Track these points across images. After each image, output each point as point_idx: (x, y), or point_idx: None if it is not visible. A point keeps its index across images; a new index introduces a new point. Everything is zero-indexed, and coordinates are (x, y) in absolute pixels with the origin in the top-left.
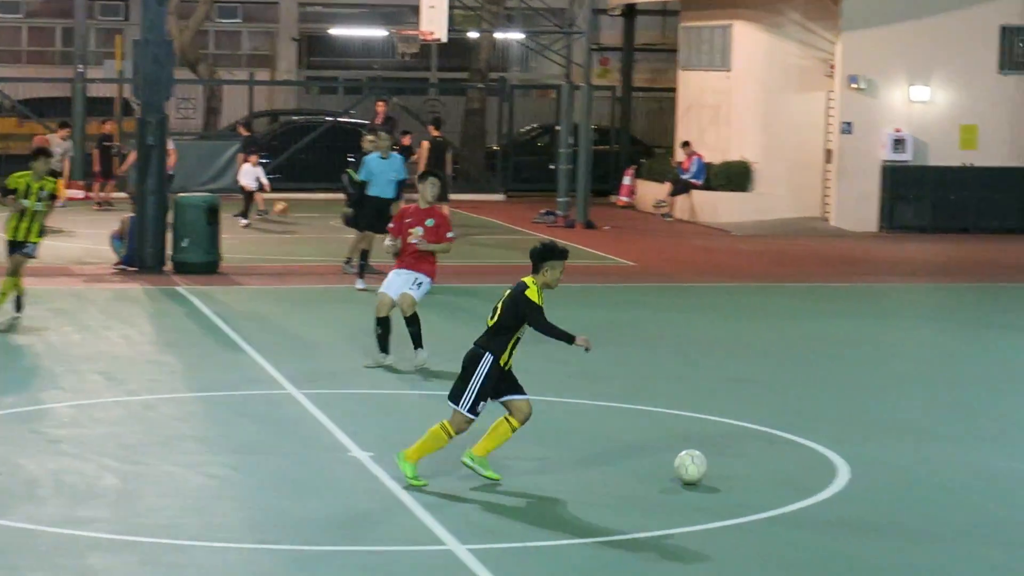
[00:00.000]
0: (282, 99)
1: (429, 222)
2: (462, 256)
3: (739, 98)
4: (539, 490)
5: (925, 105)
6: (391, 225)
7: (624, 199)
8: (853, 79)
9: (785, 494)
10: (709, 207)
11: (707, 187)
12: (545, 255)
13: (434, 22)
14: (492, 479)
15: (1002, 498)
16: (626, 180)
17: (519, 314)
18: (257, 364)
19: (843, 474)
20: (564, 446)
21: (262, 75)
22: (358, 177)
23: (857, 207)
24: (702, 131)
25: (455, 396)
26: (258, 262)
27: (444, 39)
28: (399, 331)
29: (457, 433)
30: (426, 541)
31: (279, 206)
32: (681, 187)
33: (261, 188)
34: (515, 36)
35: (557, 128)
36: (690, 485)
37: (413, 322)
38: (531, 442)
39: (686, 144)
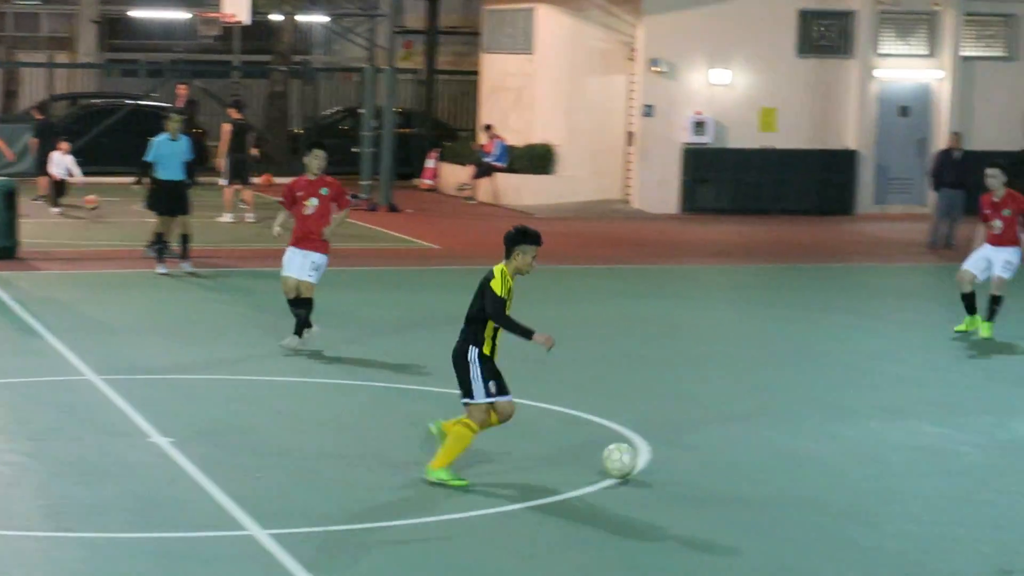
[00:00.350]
0: (83, 82)
1: (323, 191)
2: (264, 240)
3: (541, 81)
4: (341, 476)
5: (725, 88)
6: (281, 199)
7: (427, 182)
8: (654, 62)
9: (586, 475)
10: (512, 190)
11: (510, 170)
12: (517, 239)
13: (236, 4)
14: (461, 485)
15: (791, 474)
16: (429, 163)
17: (483, 303)
18: (55, 350)
19: (643, 453)
20: (360, 432)
21: (62, 58)
22: (145, 158)
23: (658, 189)
24: (505, 114)
25: (465, 393)
26: (58, 247)
27: (246, 21)
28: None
29: (480, 426)
30: (227, 527)
31: (89, 199)
32: (484, 170)
33: (70, 176)
34: (318, 19)
35: (360, 111)
36: (623, 477)
37: (304, 305)
38: (332, 430)
39: (489, 127)
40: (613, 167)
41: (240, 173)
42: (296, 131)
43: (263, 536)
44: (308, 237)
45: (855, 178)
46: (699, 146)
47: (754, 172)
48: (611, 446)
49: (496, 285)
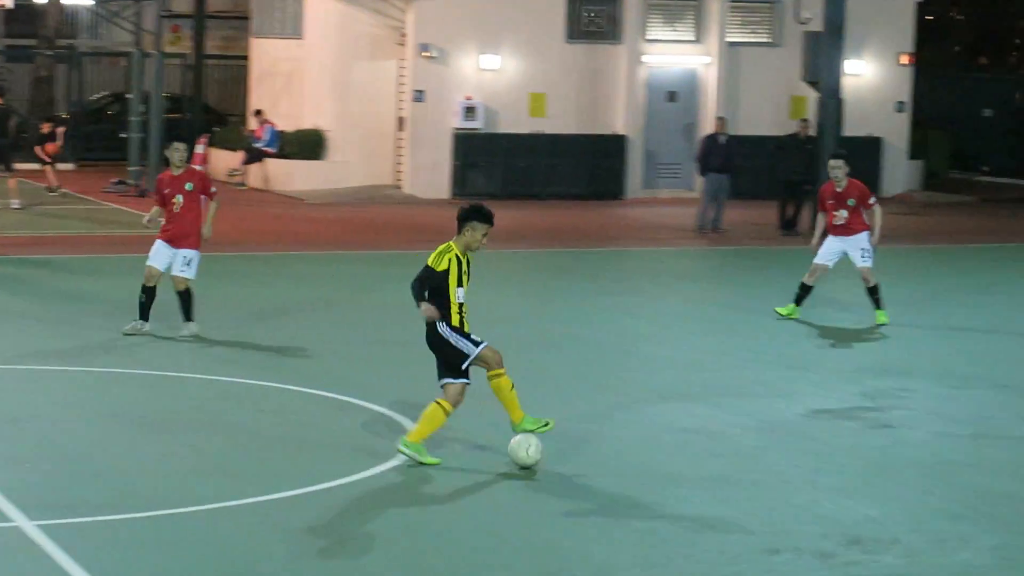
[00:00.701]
0: None
1: (188, 186)
2: (30, 227)
3: (312, 66)
4: (110, 464)
5: (495, 73)
6: (154, 196)
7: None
8: (424, 48)
9: (360, 460)
10: (283, 175)
11: (281, 155)
12: (468, 216)
13: None
14: (431, 464)
15: (563, 456)
16: (199, 149)
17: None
18: None
19: None
20: (131, 417)
21: None
22: None
23: (429, 175)
24: (275, 99)
25: (449, 371)
26: None
27: (10, 5)
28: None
29: (454, 406)
30: None
31: None
32: (254, 156)
33: None
34: (84, 2)
35: (128, 96)
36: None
37: (186, 296)
38: (106, 420)
39: (259, 112)
40: (384, 152)
41: (3, 159)
42: (62, 116)
43: (29, 527)
44: (178, 234)
45: (624, 163)
46: (470, 131)
47: (525, 157)
48: (518, 439)
49: (432, 257)
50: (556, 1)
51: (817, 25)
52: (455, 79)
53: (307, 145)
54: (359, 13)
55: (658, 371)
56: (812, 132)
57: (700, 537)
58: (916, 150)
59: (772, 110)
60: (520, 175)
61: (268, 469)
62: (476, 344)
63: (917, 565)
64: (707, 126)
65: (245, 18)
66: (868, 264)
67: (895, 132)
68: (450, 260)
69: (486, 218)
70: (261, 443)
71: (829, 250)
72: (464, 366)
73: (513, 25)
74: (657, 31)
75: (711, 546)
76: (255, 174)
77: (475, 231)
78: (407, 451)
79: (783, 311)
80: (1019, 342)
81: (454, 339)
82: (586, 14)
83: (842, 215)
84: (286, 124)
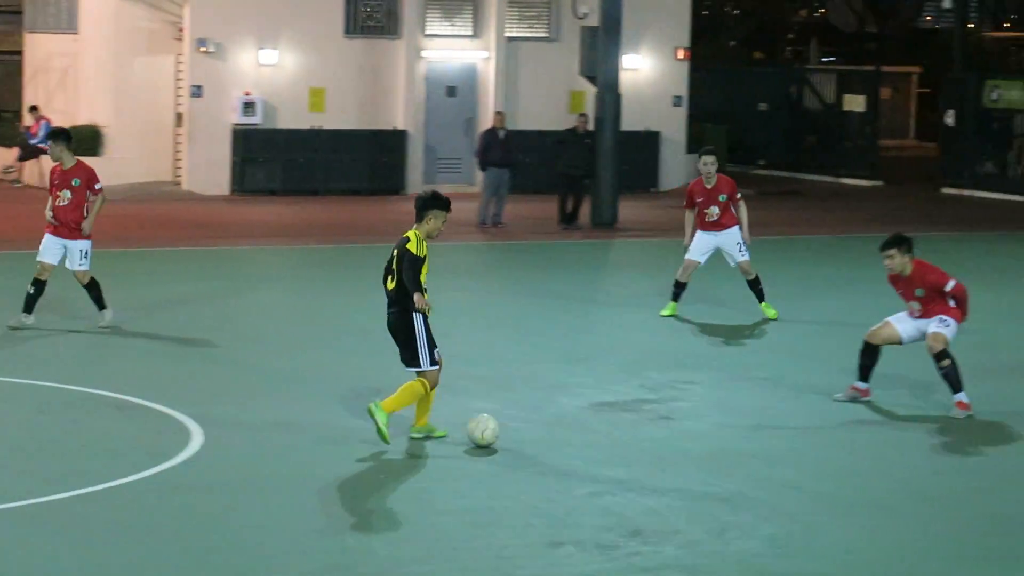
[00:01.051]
0: None
1: (75, 182)
2: None
3: (87, 61)
4: None
5: (274, 68)
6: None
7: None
8: (202, 43)
9: (140, 459)
10: None
11: None
12: (429, 204)
13: None
14: (384, 437)
15: (336, 454)
16: None
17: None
18: None
19: (197, 437)
20: None
21: None
22: None
23: (209, 171)
24: (50, 95)
25: (410, 361)
26: None
27: None
28: None
29: (434, 385)
30: None
31: None
32: (30, 152)
33: None
34: None
35: None
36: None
37: (92, 288)
38: None
39: (34, 108)
40: (163, 148)
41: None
42: None
43: None
44: (66, 227)
45: (405, 158)
46: (249, 127)
47: (305, 152)
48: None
49: (413, 247)
50: None
51: (595, 20)
52: (233, 74)
53: (83, 141)
54: (135, 7)
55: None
56: (591, 126)
57: (483, 531)
58: (693, 144)
59: (551, 104)
60: (300, 171)
61: (47, 470)
62: (432, 363)
63: (697, 555)
64: (487, 121)
65: (19, 12)
66: (747, 257)
67: (673, 126)
68: (426, 247)
69: (445, 205)
70: (40, 444)
71: (701, 246)
72: (409, 367)
73: (291, 20)
74: (436, 26)
75: (495, 539)
76: (31, 171)
77: (436, 219)
78: (375, 416)
79: (665, 312)
80: (795, 332)
81: (420, 341)
82: (364, 9)
83: (714, 211)
84: (61, 120)
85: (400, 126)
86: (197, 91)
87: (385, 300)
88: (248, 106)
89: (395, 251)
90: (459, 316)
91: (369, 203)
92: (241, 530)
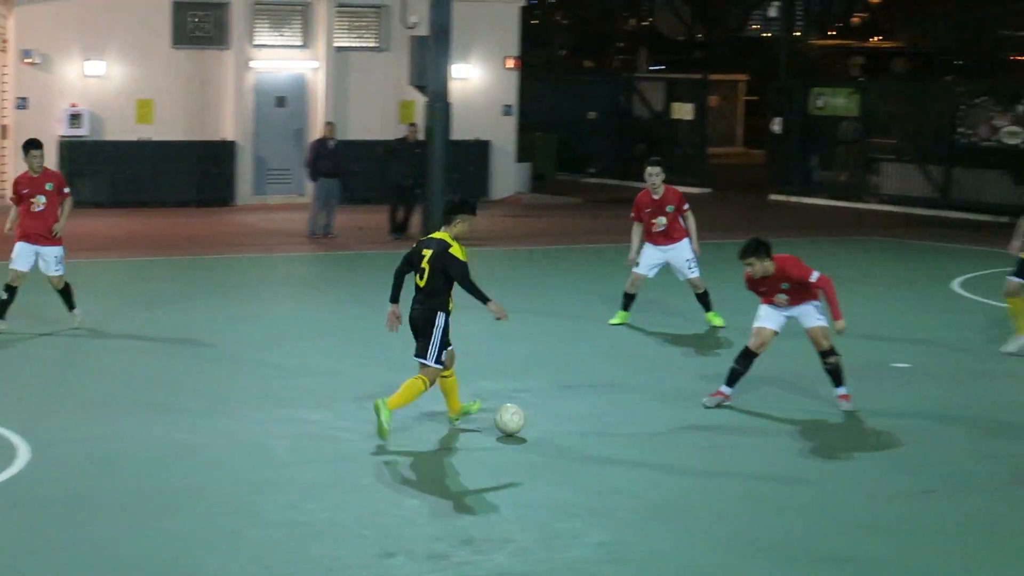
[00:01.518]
0: None
1: (48, 186)
2: None
3: None
4: None
5: (100, 80)
6: (11, 197)
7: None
8: (27, 53)
9: None
10: None
11: None
12: (458, 208)
13: None
14: (383, 433)
15: (174, 467)
16: None
17: (447, 272)
18: None
19: (23, 453)
20: None
21: None
22: None
23: None
24: None
25: (420, 353)
26: None
27: None
28: None
29: (432, 383)
30: None
31: None
32: None
33: None
34: None
35: None
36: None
37: (66, 292)
38: None
39: None
40: None
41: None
42: None
43: None
44: (40, 233)
45: (234, 169)
46: (76, 139)
47: (132, 164)
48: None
49: (457, 252)
50: (162, 6)
51: (424, 30)
52: (60, 86)
53: None
54: None
55: (269, 378)
56: (421, 136)
57: (314, 542)
58: (524, 153)
59: (381, 114)
60: (128, 183)
61: None
62: (438, 362)
63: (528, 563)
64: (316, 131)
65: None
66: (697, 273)
67: (503, 135)
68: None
69: (472, 210)
70: None
71: (650, 260)
72: (418, 357)
73: (118, 31)
74: (265, 36)
75: (327, 550)
76: None
77: (465, 222)
78: (379, 413)
79: (614, 320)
80: (628, 341)
81: (435, 340)
82: (192, 19)
83: (661, 222)
84: None
85: (229, 137)
86: (22, 103)
87: (385, 296)
88: (75, 118)
89: (426, 250)
90: (288, 327)
91: (197, 215)
92: (55, 551)
